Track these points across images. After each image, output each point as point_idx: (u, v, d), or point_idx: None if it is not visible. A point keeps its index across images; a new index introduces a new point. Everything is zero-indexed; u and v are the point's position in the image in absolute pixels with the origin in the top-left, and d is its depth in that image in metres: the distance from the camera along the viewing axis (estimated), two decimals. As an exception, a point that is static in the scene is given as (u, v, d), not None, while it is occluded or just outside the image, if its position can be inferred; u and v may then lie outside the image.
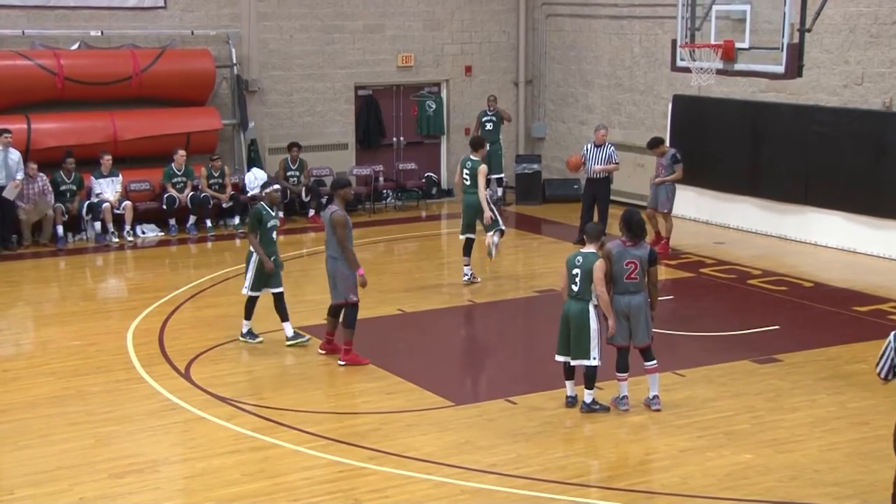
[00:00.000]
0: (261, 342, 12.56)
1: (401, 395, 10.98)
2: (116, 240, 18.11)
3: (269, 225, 12.33)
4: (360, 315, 11.91)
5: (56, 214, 17.73)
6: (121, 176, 18.46)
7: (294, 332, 12.50)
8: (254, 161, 20.09)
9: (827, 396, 10.85)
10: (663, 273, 15.35)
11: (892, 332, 7.68)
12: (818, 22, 14.38)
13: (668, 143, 18.11)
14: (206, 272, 16.03)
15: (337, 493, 8.73)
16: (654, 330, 10.49)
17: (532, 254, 17.82)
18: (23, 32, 18.58)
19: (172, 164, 18.72)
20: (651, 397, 10.48)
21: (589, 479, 9.22)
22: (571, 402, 10.51)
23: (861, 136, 16.67)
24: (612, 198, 17.67)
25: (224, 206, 19.09)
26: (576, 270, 10.22)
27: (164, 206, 18.55)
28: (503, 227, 15.22)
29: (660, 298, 10.72)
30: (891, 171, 16.31)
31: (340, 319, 11.89)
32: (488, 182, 16.93)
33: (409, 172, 21.79)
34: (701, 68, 14.55)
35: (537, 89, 22.83)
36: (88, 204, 18.12)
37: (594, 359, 10.28)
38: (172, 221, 18.62)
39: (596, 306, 10.21)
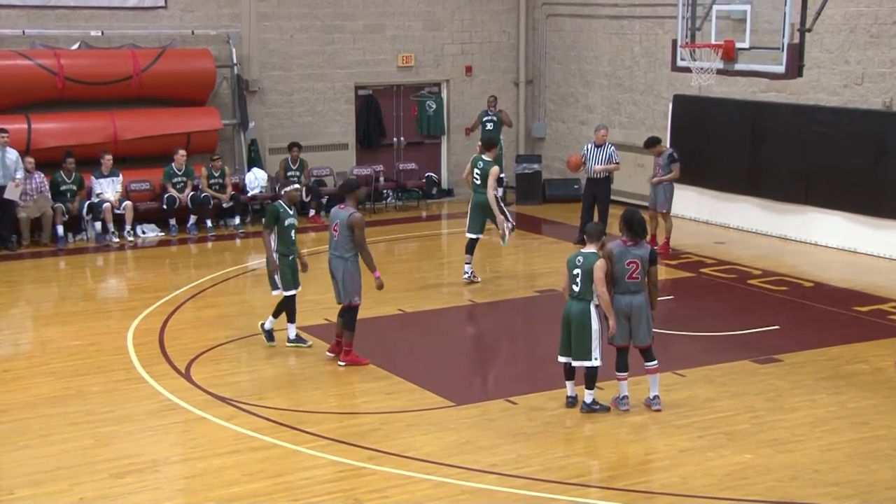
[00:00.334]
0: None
1: (401, 395, 10.98)
2: (117, 240, 18.11)
3: (287, 223, 12.10)
4: (361, 315, 11.90)
5: (56, 214, 17.73)
6: (121, 176, 18.46)
7: (296, 335, 12.46)
8: (254, 161, 20.11)
9: (827, 396, 10.84)
10: (663, 273, 15.34)
11: None
12: (818, 22, 14.38)
13: (667, 143, 18.11)
14: (207, 272, 16.03)
15: (337, 493, 8.73)
16: (654, 330, 10.49)
17: (532, 254, 17.82)
18: (23, 32, 18.59)
19: (173, 164, 18.72)
20: (651, 397, 10.48)
21: (589, 479, 9.22)
22: (572, 402, 10.51)
23: (861, 136, 16.67)
24: (612, 198, 17.67)
25: (224, 206, 19.09)
26: (576, 271, 10.22)
27: (165, 206, 18.55)
28: (513, 223, 15.52)
29: (660, 298, 10.73)
30: (891, 171, 16.30)
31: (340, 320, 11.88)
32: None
33: (410, 172, 21.80)
34: (701, 68, 14.54)
35: (537, 89, 22.83)
36: (89, 204, 18.12)
37: (595, 359, 10.28)
38: (173, 221, 18.62)
39: (597, 306, 10.21)
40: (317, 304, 13.25)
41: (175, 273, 16.69)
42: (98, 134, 18.59)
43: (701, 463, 9.27)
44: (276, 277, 12.12)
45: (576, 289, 10.24)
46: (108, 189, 18.24)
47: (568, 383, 10.54)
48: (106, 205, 18.04)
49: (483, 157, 15.20)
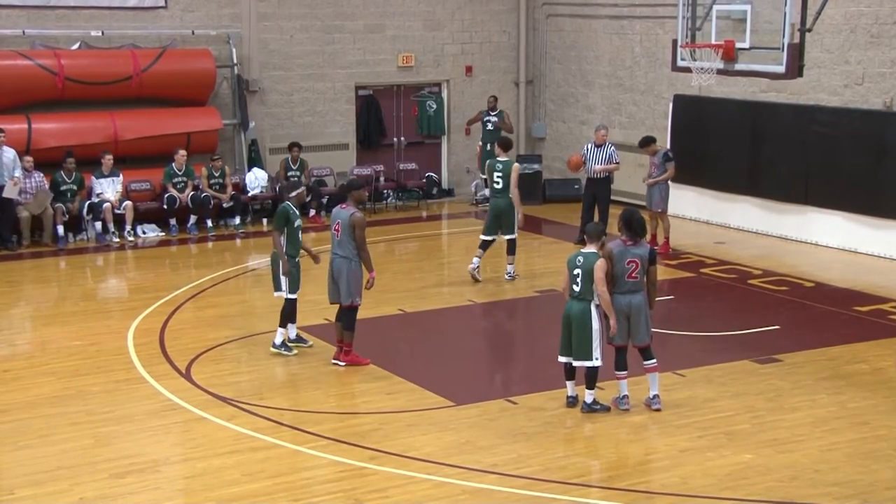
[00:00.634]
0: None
1: (401, 395, 10.99)
2: (117, 240, 18.11)
3: (297, 225, 12.08)
4: (360, 315, 11.89)
5: (56, 214, 17.74)
6: (121, 176, 18.46)
7: (297, 335, 12.40)
8: (254, 161, 20.11)
9: (827, 396, 10.84)
10: (663, 273, 15.33)
11: None
12: (819, 22, 14.37)
13: (668, 143, 18.11)
14: (207, 272, 16.03)
15: (337, 493, 8.73)
16: (654, 330, 10.49)
17: (532, 254, 17.80)
18: (23, 32, 18.59)
19: (173, 164, 18.72)
20: (651, 397, 10.48)
21: (589, 479, 9.23)
22: (572, 402, 10.51)
23: (861, 136, 16.68)
24: (612, 198, 17.67)
25: (225, 206, 19.09)
26: (577, 270, 10.22)
27: (165, 206, 18.55)
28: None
29: (660, 298, 10.75)
30: (891, 171, 16.30)
31: (340, 321, 11.86)
32: (485, 182, 16.98)
33: (410, 172, 21.80)
34: (701, 68, 14.54)
35: (538, 89, 22.83)
36: (89, 204, 18.12)
37: (596, 359, 10.28)
38: (173, 221, 18.61)
39: (598, 306, 10.21)
40: (317, 304, 13.25)
41: (175, 273, 16.69)
42: (98, 134, 18.59)
43: (701, 463, 9.27)
44: (284, 279, 12.08)
45: (576, 289, 10.24)
46: (109, 189, 18.24)
47: (568, 383, 10.54)
48: (106, 205, 18.04)
49: (500, 159, 15.27)
